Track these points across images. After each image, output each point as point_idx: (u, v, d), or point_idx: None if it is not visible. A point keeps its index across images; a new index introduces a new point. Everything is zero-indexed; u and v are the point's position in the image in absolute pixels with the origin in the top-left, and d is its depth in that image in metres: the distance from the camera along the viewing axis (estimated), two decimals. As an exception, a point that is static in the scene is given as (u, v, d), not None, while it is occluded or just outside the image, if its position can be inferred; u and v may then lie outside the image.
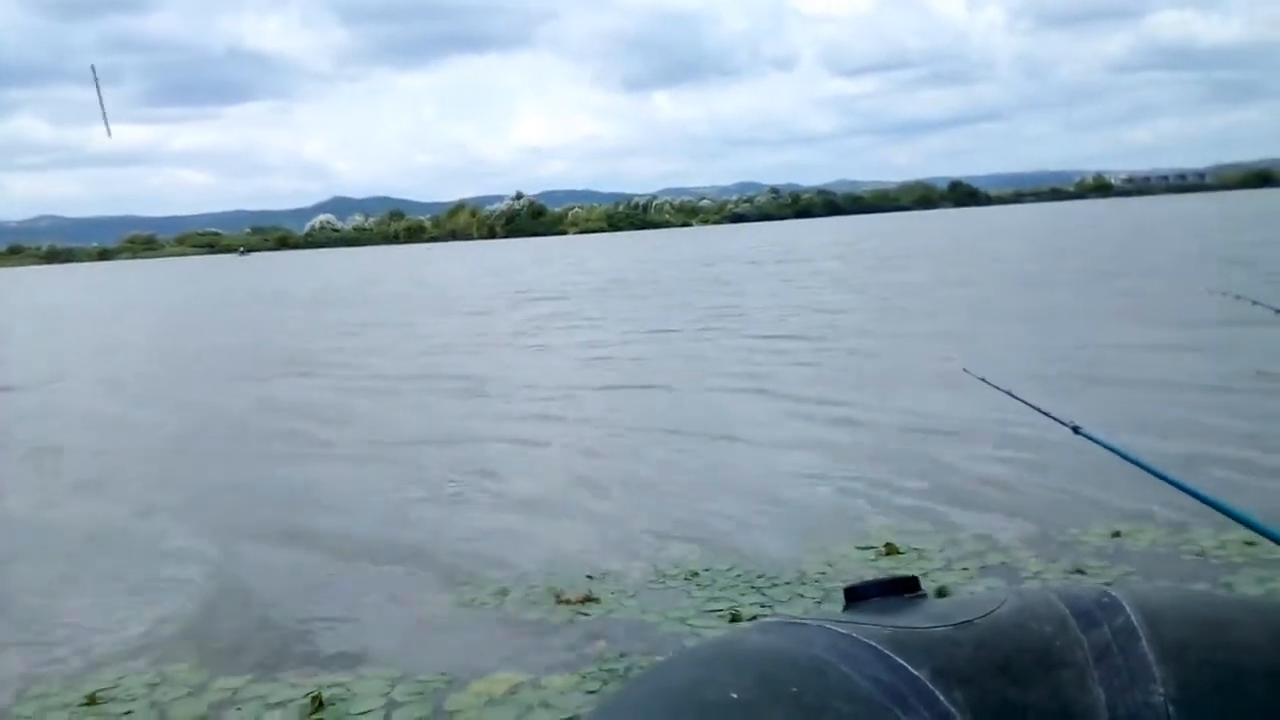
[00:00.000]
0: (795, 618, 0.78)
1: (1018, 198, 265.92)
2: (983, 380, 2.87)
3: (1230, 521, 4.96)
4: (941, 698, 0.67)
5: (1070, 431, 1.95)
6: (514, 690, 4.06)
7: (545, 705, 3.92)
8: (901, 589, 0.79)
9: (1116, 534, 5.50)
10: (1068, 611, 0.75)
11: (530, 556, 5.84)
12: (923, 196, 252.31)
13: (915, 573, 4.54)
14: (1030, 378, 9.94)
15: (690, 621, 4.69)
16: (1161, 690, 0.69)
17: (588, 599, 4.99)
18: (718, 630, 4.54)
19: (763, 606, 4.79)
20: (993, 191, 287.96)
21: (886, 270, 32.74)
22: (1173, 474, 1.45)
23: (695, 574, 5.33)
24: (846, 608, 0.79)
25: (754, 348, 15.19)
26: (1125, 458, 1.64)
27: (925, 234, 65.61)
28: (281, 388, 14.08)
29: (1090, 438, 1.77)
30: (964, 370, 3.31)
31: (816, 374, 12.46)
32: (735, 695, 0.65)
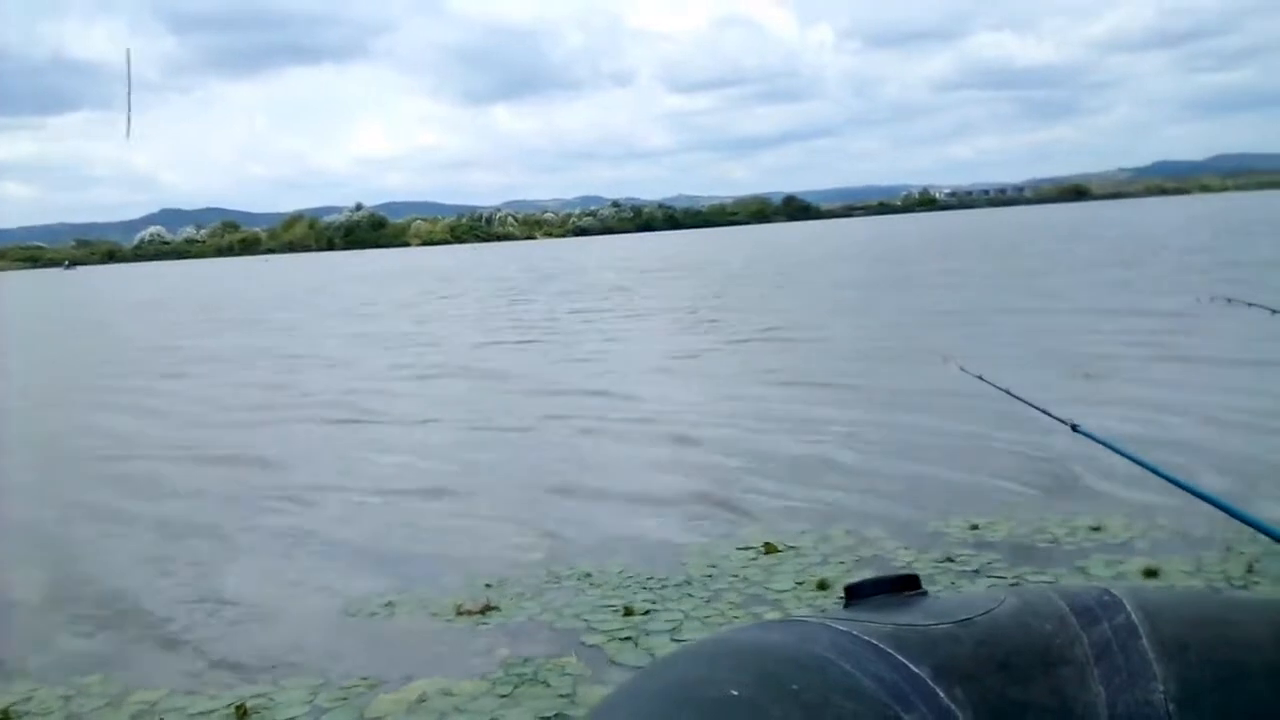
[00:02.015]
0: (796, 616, 0.78)
1: (849, 212, 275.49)
2: (980, 378, 2.89)
3: (1083, 512, 5.22)
4: (942, 695, 0.68)
5: (1070, 430, 1.98)
6: (423, 699, 4.09)
7: (459, 710, 3.98)
8: (902, 587, 0.80)
9: (975, 526, 5.86)
10: (1068, 609, 0.76)
11: (428, 563, 5.89)
12: (758, 211, 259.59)
13: (794, 568, 4.68)
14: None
15: (586, 618, 4.83)
16: (1162, 688, 0.70)
17: (488, 608, 5.05)
18: (614, 625, 4.70)
19: (653, 604, 4.95)
20: (824, 206, 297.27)
21: (748, 277, 33.62)
22: (1174, 474, 1.50)
23: (589, 574, 5.48)
24: (847, 605, 0.79)
25: (641, 349, 15.61)
26: (1124, 455, 1.67)
27: (781, 246, 67.26)
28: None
29: (1089, 436, 1.80)
30: (961, 369, 3.27)
31: (694, 369, 12.90)
32: (736, 693, 0.66)
